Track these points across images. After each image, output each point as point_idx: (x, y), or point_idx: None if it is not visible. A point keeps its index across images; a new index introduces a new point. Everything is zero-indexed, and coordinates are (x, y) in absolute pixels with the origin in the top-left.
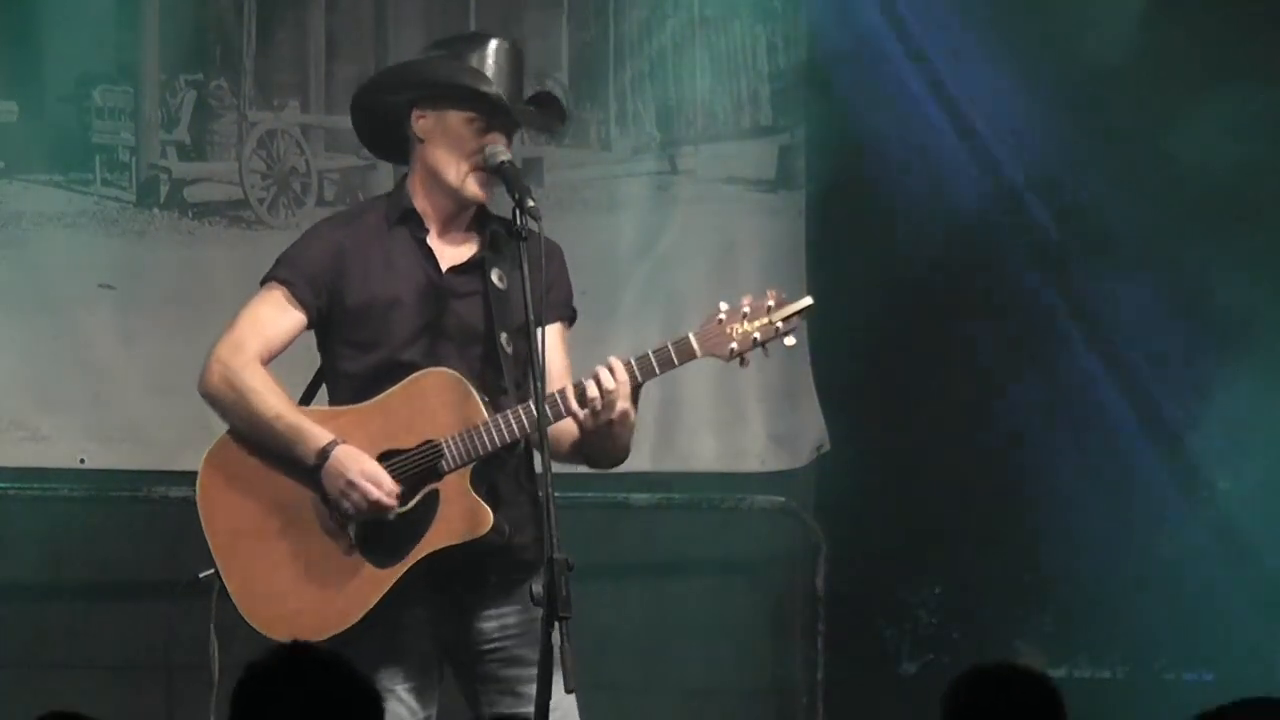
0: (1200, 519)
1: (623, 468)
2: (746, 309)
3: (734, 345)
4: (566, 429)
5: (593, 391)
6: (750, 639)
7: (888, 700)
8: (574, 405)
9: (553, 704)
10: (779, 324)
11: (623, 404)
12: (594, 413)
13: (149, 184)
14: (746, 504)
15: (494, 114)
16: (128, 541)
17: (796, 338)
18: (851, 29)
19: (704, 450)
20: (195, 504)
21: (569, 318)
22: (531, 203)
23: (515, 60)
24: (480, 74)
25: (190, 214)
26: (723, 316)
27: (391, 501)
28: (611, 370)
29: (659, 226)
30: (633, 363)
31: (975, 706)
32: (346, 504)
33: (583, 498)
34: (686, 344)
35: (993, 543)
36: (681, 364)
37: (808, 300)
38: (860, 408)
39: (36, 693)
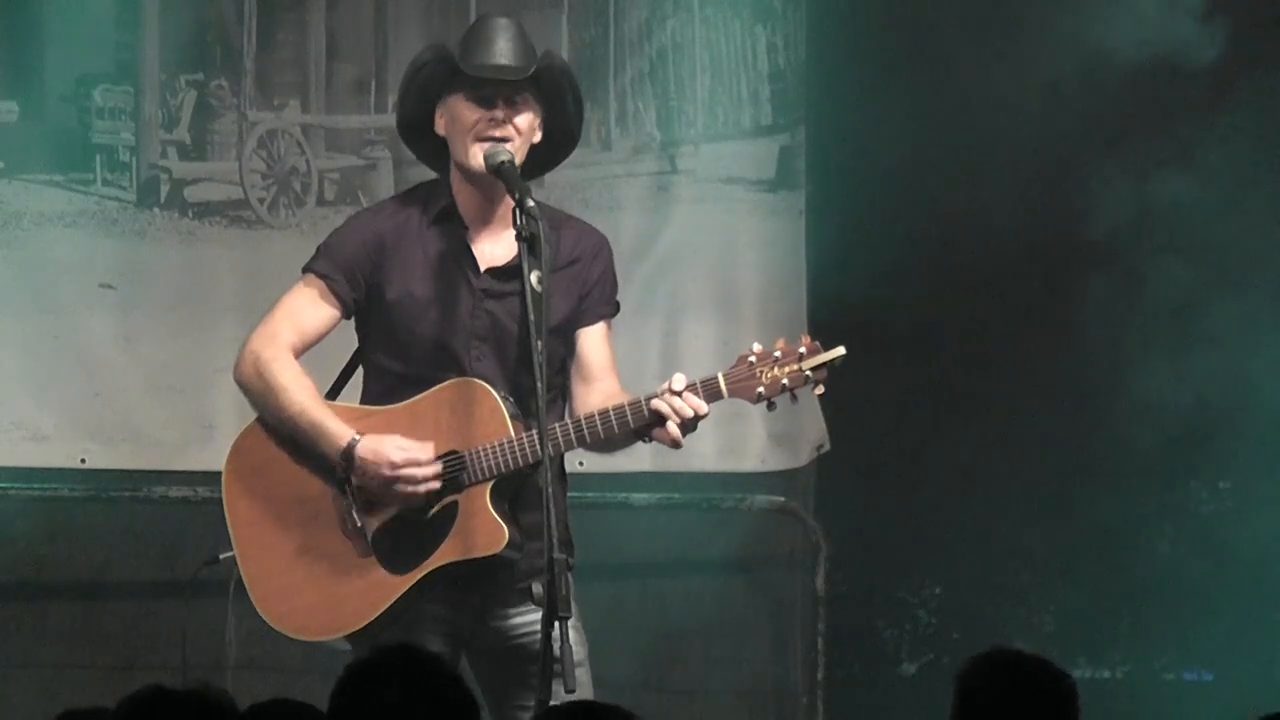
0: (1200, 519)
1: (623, 468)
2: (778, 353)
3: (762, 390)
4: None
5: (674, 432)
6: (750, 639)
7: (888, 700)
8: (676, 435)
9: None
10: (809, 372)
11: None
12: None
13: (149, 184)
14: (746, 504)
15: (483, 84)
16: (128, 541)
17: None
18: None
19: (704, 449)
20: (196, 504)
21: (612, 313)
22: (531, 203)
23: (506, 32)
24: (463, 53)
25: (190, 214)
26: (753, 359)
27: (434, 471)
28: (683, 398)
29: (659, 226)
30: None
31: (990, 693)
32: (392, 497)
33: (583, 498)
34: (714, 384)
35: (993, 543)
36: (710, 402)
37: (840, 350)
38: (860, 408)
39: (36, 693)
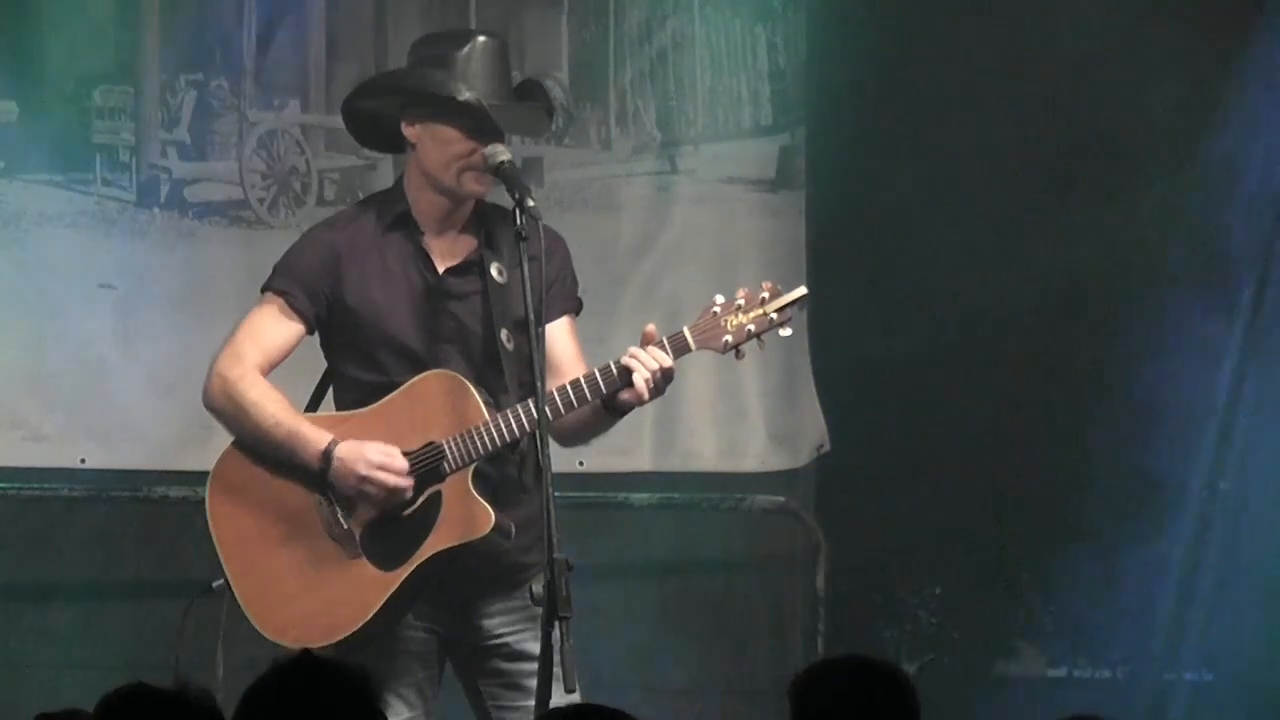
0: (1200, 519)
1: (623, 468)
2: (741, 301)
3: (728, 338)
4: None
5: (642, 380)
6: (750, 639)
7: None
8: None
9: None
10: (773, 315)
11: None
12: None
13: (149, 184)
14: (746, 504)
15: (481, 122)
16: (128, 541)
17: (793, 329)
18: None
19: (704, 450)
20: (196, 504)
21: (575, 309)
22: (531, 203)
23: (500, 58)
24: (462, 81)
25: (190, 214)
26: (717, 309)
27: (408, 482)
28: (648, 351)
29: (659, 226)
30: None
31: (825, 703)
32: (366, 500)
33: (583, 497)
34: (681, 338)
35: (993, 542)
36: (678, 357)
37: (802, 290)
38: (860, 408)
39: (37, 693)
